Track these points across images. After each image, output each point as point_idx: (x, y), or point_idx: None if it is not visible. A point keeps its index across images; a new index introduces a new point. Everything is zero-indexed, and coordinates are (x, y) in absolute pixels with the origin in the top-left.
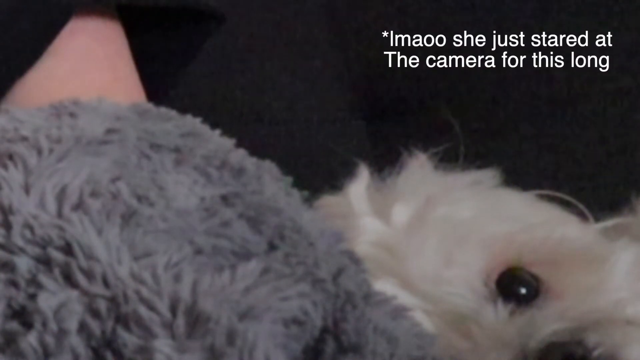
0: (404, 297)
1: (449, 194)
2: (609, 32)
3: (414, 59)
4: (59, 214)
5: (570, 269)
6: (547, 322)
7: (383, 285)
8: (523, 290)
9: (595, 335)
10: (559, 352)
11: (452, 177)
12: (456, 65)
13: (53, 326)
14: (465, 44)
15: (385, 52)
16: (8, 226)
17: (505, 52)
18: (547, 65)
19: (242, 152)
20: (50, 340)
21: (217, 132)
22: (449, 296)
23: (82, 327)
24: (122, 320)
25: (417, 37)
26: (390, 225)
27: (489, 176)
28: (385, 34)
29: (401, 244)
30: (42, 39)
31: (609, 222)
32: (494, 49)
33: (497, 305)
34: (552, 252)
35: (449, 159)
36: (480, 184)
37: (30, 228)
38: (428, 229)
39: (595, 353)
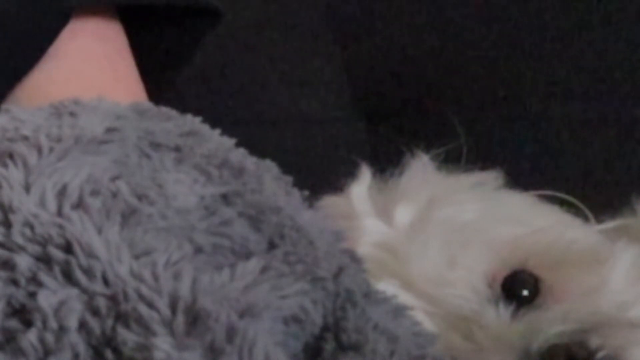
0: (406, 299)
1: (452, 196)
2: (610, 32)
3: (414, 58)
4: (59, 213)
5: (572, 271)
6: (550, 323)
7: (385, 287)
8: (525, 292)
9: (598, 337)
10: (561, 354)
11: (455, 178)
12: (457, 65)
13: (53, 324)
14: (466, 44)
15: (385, 52)
16: (8, 225)
17: (505, 52)
18: (547, 65)
19: (242, 152)
20: (50, 338)
21: (217, 131)
22: (452, 298)
23: (82, 325)
24: (122, 318)
25: (418, 37)
26: (393, 226)
27: (491, 177)
28: (385, 34)
29: (403, 245)
30: (42, 40)
31: (611, 224)
32: (495, 48)
33: (498, 307)
34: (559, 256)
35: (449, 159)
36: (483, 186)
37: (31, 226)
38: (431, 230)
39: (599, 355)
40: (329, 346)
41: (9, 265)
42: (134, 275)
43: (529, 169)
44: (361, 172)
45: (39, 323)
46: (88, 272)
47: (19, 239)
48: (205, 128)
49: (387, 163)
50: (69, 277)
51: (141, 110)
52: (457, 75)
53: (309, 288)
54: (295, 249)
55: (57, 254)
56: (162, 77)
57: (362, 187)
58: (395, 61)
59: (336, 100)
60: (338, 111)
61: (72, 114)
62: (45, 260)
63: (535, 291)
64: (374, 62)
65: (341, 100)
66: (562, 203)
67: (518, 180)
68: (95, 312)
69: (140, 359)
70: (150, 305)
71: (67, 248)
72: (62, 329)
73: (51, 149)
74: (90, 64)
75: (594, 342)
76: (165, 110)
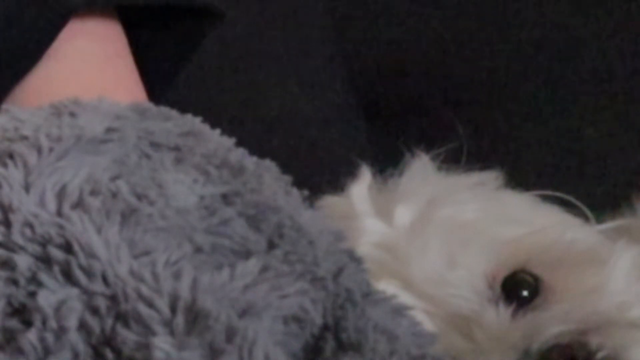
0: (406, 299)
1: (452, 196)
2: (609, 32)
3: (414, 58)
4: (59, 213)
5: (572, 271)
6: (550, 324)
7: (385, 287)
8: (525, 293)
9: (598, 337)
10: (562, 354)
11: (455, 178)
12: (457, 65)
13: (53, 324)
14: (466, 44)
15: (385, 52)
16: (8, 224)
17: (507, 52)
18: (548, 64)
19: (241, 151)
20: (49, 337)
21: (217, 131)
22: (452, 298)
23: (82, 325)
24: (122, 317)
25: (418, 37)
26: (393, 226)
27: (492, 177)
28: (385, 33)
29: (403, 245)
30: (41, 41)
31: (611, 224)
32: (495, 48)
33: (499, 307)
34: (560, 256)
35: (449, 159)
36: (483, 186)
37: (30, 226)
38: (431, 230)
39: (599, 355)
40: (328, 346)
41: (8, 265)
42: (134, 275)
43: (529, 169)
44: (361, 172)
45: (38, 323)
46: (88, 272)
47: (18, 239)
48: (205, 128)
49: (387, 163)
50: (68, 276)
51: (141, 110)
52: (458, 75)
53: (309, 288)
54: (295, 248)
55: (57, 254)
56: (162, 77)
57: (362, 187)
58: (395, 61)
59: (336, 100)
60: (338, 111)
61: (72, 114)
62: (45, 260)
63: (536, 291)
64: (374, 62)
65: (341, 100)
66: (562, 203)
67: (519, 179)
68: (95, 312)
69: (140, 358)
70: (150, 304)
71: (67, 248)
72: (61, 329)
73: (51, 149)
74: (90, 65)
75: (594, 342)
76: (165, 110)
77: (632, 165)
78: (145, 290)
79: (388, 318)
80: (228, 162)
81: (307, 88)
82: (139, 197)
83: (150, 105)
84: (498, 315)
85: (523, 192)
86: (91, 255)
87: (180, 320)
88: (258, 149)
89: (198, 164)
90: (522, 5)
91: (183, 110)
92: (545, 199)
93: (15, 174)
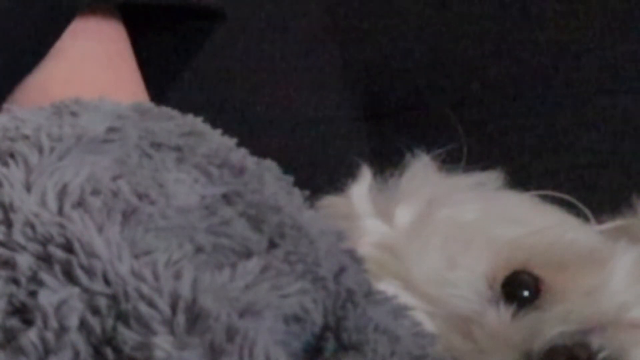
0: (406, 299)
1: (452, 196)
2: (612, 33)
3: (414, 58)
4: (60, 212)
5: (572, 271)
6: (551, 324)
7: (385, 287)
8: (525, 293)
9: (599, 338)
10: (563, 354)
11: (456, 178)
12: (457, 64)
13: (53, 323)
14: (467, 44)
15: (385, 52)
16: (9, 224)
17: (507, 51)
18: (549, 65)
19: (242, 152)
20: (50, 337)
21: (218, 131)
22: (452, 298)
23: (83, 324)
24: (123, 317)
25: (418, 37)
26: (393, 226)
27: (492, 178)
28: (385, 34)
29: (404, 245)
30: (44, 40)
31: (611, 224)
32: (495, 48)
33: (499, 308)
34: (560, 256)
35: (449, 159)
36: (484, 186)
37: (31, 226)
38: (431, 230)
39: (600, 356)
40: (329, 345)
41: (9, 265)
42: (135, 274)
43: (530, 169)
44: (361, 172)
45: (39, 322)
46: (89, 271)
47: (20, 238)
48: (206, 128)
49: (387, 163)
50: (69, 276)
51: (142, 110)
52: (458, 75)
53: (310, 287)
54: (296, 248)
55: (58, 253)
56: (163, 77)
57: (362, 187)
58: (395, 61)
59: (336, 100)
60: (338, 111)
61: (73, 114)
62: (46, 259)
63: (536, 292)
64: (374, 62)
65: (341, 100)
66: (562, 203)
67: (518, 179)
68: (96, 311)
69: (140, 358)
70: (151, 304)
71: (68, 247)
72: (62, 328)
73: (52, 149)
74: (92, 64)
75: (595, 342)
76: (166, 110)
77: (633, 164)
78: (146, 289)
79: (389, 318)
80: (229, 162)
81: (307, 88)
82: (140, 196)
83: (151, 105)
84: (498, 316)
85: (523, 192)
86: (92, 254)
87: (180, 319)
88: (259, 149)
89: (199, 163)
90: (524, 6)
91: (184, 110)
92: (545, 199)
93: (16, 173)
